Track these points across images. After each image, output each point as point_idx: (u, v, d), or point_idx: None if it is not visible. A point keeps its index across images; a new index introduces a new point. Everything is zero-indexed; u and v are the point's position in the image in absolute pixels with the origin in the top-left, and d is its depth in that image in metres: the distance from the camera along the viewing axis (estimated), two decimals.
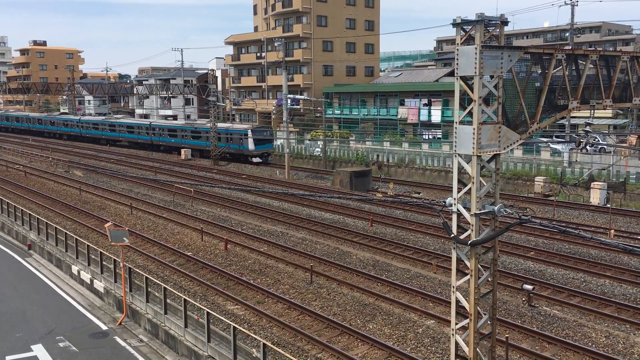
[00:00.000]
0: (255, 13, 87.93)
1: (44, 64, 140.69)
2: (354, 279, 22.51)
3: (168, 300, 18.64)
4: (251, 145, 55.66)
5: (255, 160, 55.52)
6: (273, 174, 50.99)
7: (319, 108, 67.74)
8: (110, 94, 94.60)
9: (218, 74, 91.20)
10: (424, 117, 59.40)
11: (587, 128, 17.10)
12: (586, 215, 32.13)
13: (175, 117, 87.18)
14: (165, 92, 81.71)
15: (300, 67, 72.69)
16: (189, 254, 26.12)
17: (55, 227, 28.08)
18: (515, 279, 21.86)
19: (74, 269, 24.62)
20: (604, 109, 12.41)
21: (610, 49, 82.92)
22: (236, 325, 15.54)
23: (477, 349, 10.47)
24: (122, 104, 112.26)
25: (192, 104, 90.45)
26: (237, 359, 15.20)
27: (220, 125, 59.74)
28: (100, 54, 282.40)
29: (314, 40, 71.30)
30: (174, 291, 19.22)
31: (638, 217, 31.20)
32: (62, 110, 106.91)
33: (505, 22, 9.71)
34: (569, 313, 18.84)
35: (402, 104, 62.37)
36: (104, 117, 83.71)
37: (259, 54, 78.02)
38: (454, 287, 10.54)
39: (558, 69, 10.91)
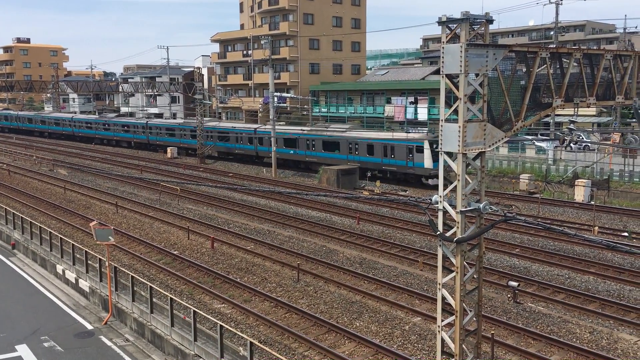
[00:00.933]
0: (241, 10, 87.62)
1: (27, 62, 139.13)
2: (341, 276, 22.54)
3: (154, 299, 18.54)
4: (428, 162, 40.43)
5: (432, 182, 39.79)
6: (260, 172, 50.89)
7: (305, 106, 67.75)
8: (95, 91, 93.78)
9: (204, 71, 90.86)
10: (410, 115, 59.56)
11: (571, 126, 17.24)
12: (570, 213, 32.42)
13: (161, 115, 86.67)
14: (151, 90, 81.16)
15: (287, 65, 72.57)
16: (175, 252, 26.00)
17: (40, 226, 27.82)
18: (500, 275, 22.01)
19: (59, 268, 24.41)
20: (588, 107, 12.52)
21: (595, 47, 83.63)
22: (223, 324, 15.50)
23: (463, 346, 10.53)
24: (107, 102, 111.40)
25: (178, 102, 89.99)
26: (224, 357, 15.15)
27: (321, 130, 49.16)
28: (85, 52, 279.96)
29: (300, 38, 71.20)
30: (160, 290, 19.12)
31: (621, 214, 31.54)
32: (46, 109, 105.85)
33: (490, 21, 9.77)
34: (553, 309, 19.01)
35: (388, 102, 62.52)
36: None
37: (245, 52, 77.76)
38: (440, 284, 10.60)
39: (542, 67, 11.00)
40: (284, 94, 62.25)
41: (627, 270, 22.38)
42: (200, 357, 15.97)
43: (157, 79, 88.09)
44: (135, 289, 19.47)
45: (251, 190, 38.83)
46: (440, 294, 10.62)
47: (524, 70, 10.87)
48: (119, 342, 18.39)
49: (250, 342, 14.30)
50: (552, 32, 56.53)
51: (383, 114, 62.20)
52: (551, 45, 13.03)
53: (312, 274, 22.78)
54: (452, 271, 10.41)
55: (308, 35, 71.74)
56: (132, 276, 19.59)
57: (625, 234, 27.53)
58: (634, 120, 33.41)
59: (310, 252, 25.78)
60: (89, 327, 19.58)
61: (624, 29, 72.10)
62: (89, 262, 22.75)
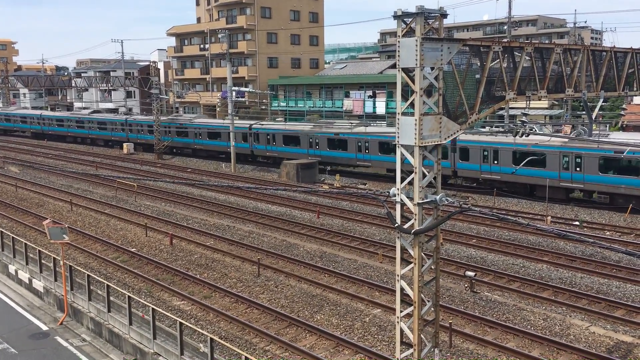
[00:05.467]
0: (197, 4, 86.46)
1: None
2: (302, 270, 22.59)
3: (111, 298, 18.21)
4: None
5: None
6: (219, 167, 50.44)
7: (264, 100, 67.40)
8: (47, 86, 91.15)
9: (160, 66, 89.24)
10: (369, 108, 59.93)
11: (524, 118, 17.65)
12: (525, 203, 33.23)
13: (116, 111, 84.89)
14: (105, 85, 79.33)
15: (245, 59, 72.03)
16: (132, 250, 25.58)
17: None
18: (458, 266, 22.43)
19: (11, 268, 23.71)
20: (539, 100, 12.86)
21: (547, 41, 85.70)
22: (182, 321, 15.35)
23: (422, 335, 10.71)
24: (59, 97, 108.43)
25: (134, 97, 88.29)
26: (184, 354, 15.02)
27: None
28: (36, 45, 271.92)
29: (258, 32, 70.75)
30: (118, 288, 18.79)
31: (573, 204, 32.45)
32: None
33: (444, 15, 9.92)
34: (509, 297, 19.49)
35: (347, 95, 62.75)
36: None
37: (202, 46, 76.80)
38: (398, 275, 10.74)
39: (496, 61, 11.23)
40: (243, 89, 61.76)
41: (579, 258, 23.11)
42: (160, 355, 15.78)
43: (112, 74, 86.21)
44: (91, 287, 19.08)
45: (210, 185, 38.48)
46: (399, 285, 10.76)
47: (478, 64, 11.09)
48: (75, 342, 18.01)
49: (211, 339, 14.21)
50: (505, 27, 57.72)
51: (342, 107, 62.44)
52: (504, 40, 13.30)
53: (273, 268, 22.76)
54: (411, 263, 10.56)
55: (266, 29, 71.33)
56: (88, 275, 19.19)
57: (577, 222, 28.40)
58: (584, 112, 34.43)
59: (271, 246, 25.74)
60: (44, 327, 19.10)
61: (574, 23, 74.08)
62: (43, 261, 22.16)
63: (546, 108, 54.98)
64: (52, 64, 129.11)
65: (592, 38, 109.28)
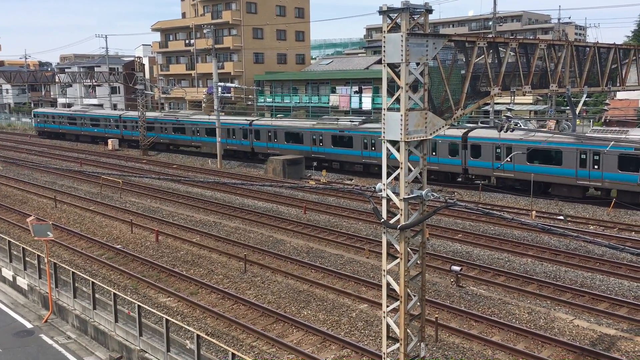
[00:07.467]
0: None
1: None
2: (288, 266, 22.59)
3: (97, 295, 18.09)
4: None
5: None
6: (205, 163, 50.22)
7: (250, 96, 67.20)
8: (30, 82, 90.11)
9: (145, 61, 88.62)
10: (355, 104, 59.98)
11: (509, 113, 17.79)
12: (510, 198, 33.47)
13: (101, 106, 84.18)
14: (89, 81, 78.58)
15: (231, 54, 71.71)
16: (118, 246, 25.42)
17: None
18: (444, 261, 22.56)
19: None
20: (524, 95, 12.95)
21: (531, 37, 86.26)
22: (168, 318, 15.29)
23: (408, 330, 10.76)
24: (43, 93, 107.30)
25: (119, 93, 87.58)
26: (170, 351, 14.97)
27: None
28: (18, 41, 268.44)
29: (244, 28, 70.44)
30: (103, 285, 18.67)
31: (557, 199, 32.73)
32: None
33: (429, 10, 9.93)
34: (494, 292, 19.64)
35: (333, 91, 62.73)
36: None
37: (187, 41, 76.32)
38: (384, 270, 10.77)
39: (481, 57, 11.28)
40: (228, 84, 61.53)
41: (563, 252, 23.34)
42: (146, 352, 15.71)
43: (96, 69, 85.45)
44: (76, 285, 18.94)
45: (196, 182, 38.32)
46: (385, 280, 10.79)
47: (464, 59, 11.13)
48: (60, 340, 17.87)
49: (198, 335, 14.18)
50: (490, 23, 57.98)
51: (328, 103, 62.44)
52: (489, 35, 13.38)
53: (260, 264, 22.73)
54: (397, 258, 10.60)
55: (251, 25, 71.05)
56: (72, 272, 19.04)
57: (561, 217, 28.67)
58: (568, 107, 34.69)
59: (257, 242, 25.71)
60: (29, 325, 18.94)
61: (558, 19, 74.69)
62: (27, 258, 21.95)
63: (531, 103, 55.38)
64: (35, 60, 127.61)
65: (576, 34, 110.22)
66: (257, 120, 49.85)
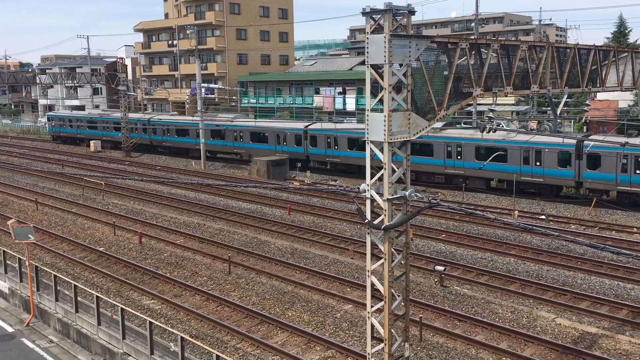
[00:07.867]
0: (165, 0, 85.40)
1: None
2: (273, 267, 22.55)
3: (79, 298, 17.89)
4: None
5: None
6: (189, 164, 49.95)
7: (234, 97, 66.97)
8: (11, 83, 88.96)
9: (128, 62, 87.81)
10: (339, 105, 60.06)
11: (491, 114, 17.91)
12: (492, 198, 33.73)
13: (83, 108, 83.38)
14: (71, 82, 77.74)
15: (214, 55, 71.40)
16: (101, 249, 25.20)
17: None
18: (428, 261, 22.67)
19: None
20: (506, 96, 13.06)
21: (513, 38, 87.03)
22: (152, 320, 15.19)
23: (392, 330, 10.80)
24: (23, 94, 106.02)
25: (101, 94, 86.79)
26: (154, 354, 14.86)
27: None
28: None
29: (227, 28, 70.18)
30: (85, 288, 18.48)
31: (539, 199, 33.05)
32: None
33: (412, 12, 9.99)
34: (477, 291, 19.78)
35: (317, 92, 62.75)
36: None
37: (170, 42, 75.86)
38: (369, 271, 10.80)
39: (463, 58, 11.37)
40: (212, 85, 61.24)
41: (545, 251, 23.58)
42: (130, 355, 15.58)
43: (78, 70, 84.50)
44: (58, 288, 18.73)
45: (179, 183, 38.12)
46: (369, 280, 10.83)
47: (446, 60, 11.21)
48: (42, 343, 17.67)
49: (182, 337, 14.09)
50: (473, 24, 58.40)
51: (312, 104, 62.46)
52: (471, 37, 13.49)
53: (244, 266, 22.67)
54: (381, 258, 10.64)
55: (235, 25, 70.83)
56: (54, 275, 18.83)
57: (543, 217, 28.96)
58: (549, 108, 35.05)
59: (242, 244, 25.63)
60: (10, 329, 18.69)
61: (539, 21, 75.41)
62: (8, 262, 21.66)
63: (513, 104, 55.83)
64: (15, 60, 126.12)
65: (557, 35, 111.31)
66: (311, 124, 44.94)
